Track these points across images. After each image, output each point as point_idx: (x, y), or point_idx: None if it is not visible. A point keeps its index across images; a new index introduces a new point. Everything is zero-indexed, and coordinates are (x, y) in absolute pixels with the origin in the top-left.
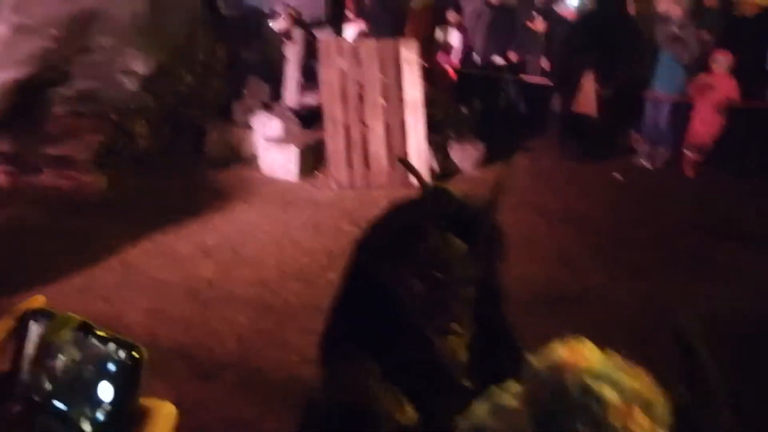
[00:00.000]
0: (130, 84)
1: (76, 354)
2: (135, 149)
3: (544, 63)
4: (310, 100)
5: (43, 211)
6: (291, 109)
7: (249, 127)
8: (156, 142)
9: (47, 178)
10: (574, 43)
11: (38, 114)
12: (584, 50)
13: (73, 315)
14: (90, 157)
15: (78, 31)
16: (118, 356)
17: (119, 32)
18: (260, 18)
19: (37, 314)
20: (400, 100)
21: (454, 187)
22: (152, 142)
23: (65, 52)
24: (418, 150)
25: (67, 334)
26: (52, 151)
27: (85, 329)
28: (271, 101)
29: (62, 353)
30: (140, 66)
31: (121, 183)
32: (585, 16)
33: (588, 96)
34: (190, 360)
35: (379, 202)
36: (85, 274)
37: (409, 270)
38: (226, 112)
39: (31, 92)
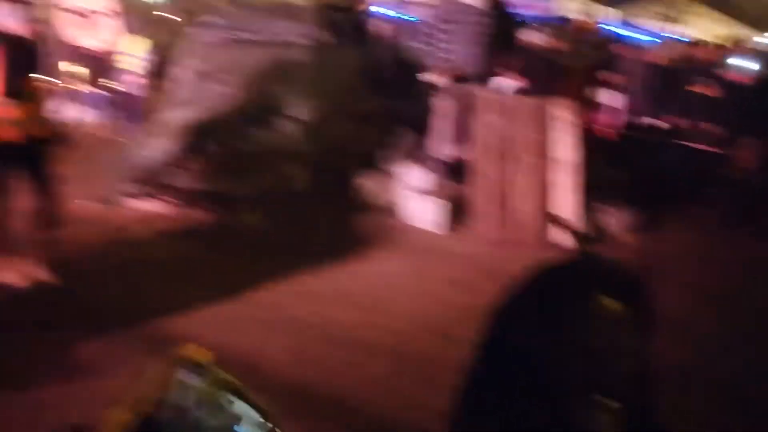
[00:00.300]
0: (292, 129)
1: (215, 412)
2: (290, 191)
3: (709, 128)
4: (459, 153)
5: (197, 243)
6: (438, 161)
7: (397, 177)
8: (310, 186)
9: (205, 213)
10: (752, 109)
11: (200, 151)
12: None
13: (224, 375)
14: (248, 194)
15: (246, 77)
16: (253, 424)
17: (285, 81)
18: (416, 71)
19: (192, 365)
20: (551, 158)
21: (603, 251)
22: (306, 186)
23: (239, 97)
24: (567, 211)
25: (214, 392)
26: (212, 188)
27: (231, 390)
28: (420, 152)
29: (204, 408)
30: (302, 113)
31: (273, 222)
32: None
33: (750, 152)
34: (320, 401)
35: (522, 260)
36: (230, 308)
37: (555, 337)
38: (377, 160)
39: (206, 132)
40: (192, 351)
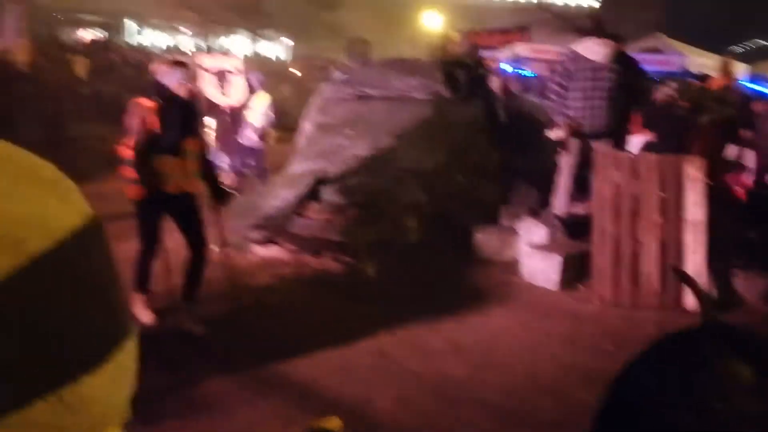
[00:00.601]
0: (408, 180)
1: None
2: (404, 242)
3: None
4: (580, 210)
5: (316, 290)
6: (559, 218)
7: (514, 232)
8: (424, 237)
9: (324, 260)
10: None
11: (321, 200)
12: None
13: None
14: (363, 245)
15: (367, 131)
16: None
17: (404, 133)
18: (537, 126)
19: None
20: (679, 218)
21: (735, 319)
22: (421, 237)
23: (359, 149)
24: (696, 274)
25: None
26: (331, 236)
27: None
28: (540, 208)
29: None
30: (419, 164)
31: (387, 272)
32: None
33: None
34: None
35: (646, 324)
36: (343, 355)
37: (685, 403)
38: (494, 215)
39: (328, 182)
40: (326, 422)
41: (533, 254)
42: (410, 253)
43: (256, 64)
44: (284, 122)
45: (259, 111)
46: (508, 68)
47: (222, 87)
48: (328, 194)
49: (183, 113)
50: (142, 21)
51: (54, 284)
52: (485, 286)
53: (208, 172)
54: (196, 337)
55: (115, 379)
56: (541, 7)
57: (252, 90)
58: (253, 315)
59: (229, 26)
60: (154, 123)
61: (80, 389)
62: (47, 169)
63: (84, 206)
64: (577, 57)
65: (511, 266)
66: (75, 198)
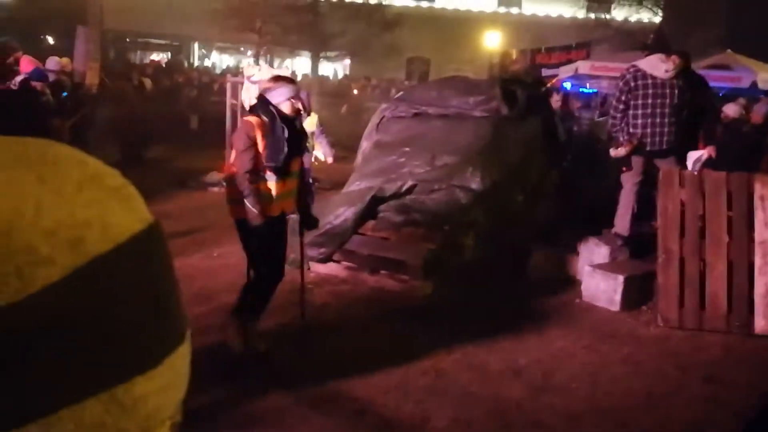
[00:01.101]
0: (465, 198)
1: None
2: (461, 260)
3: None
4: (643, 229)
5: (373, 308)
6: (621, 237)
7: (575, 251)
8: (481, 256)
9: (381, 278)
10: None
11: (379, 218)
12: None
13: None
14: (419, 263)
15: (425, 148)
16: None
17: (461, 151)
18: (597, 145)
19: None
20: (749, 238)
21: None
22: (478, 256)
23: (411, 167)
24: (765, 295)
25: None
26: (388, 254)
27: None
28: (601, 227)
29: None
30: (476, 183)
31: (444, 291)
32: None
33: None
34: None
35: (712, 347)
36: (400, 374)
37: None
38: (553, 234)
39: (386, 201)
40: None
41: (595, 274)
42: (467, 271)
43: (315, 83)
44: (343, 141)
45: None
46: (569, 85)
47: None
48: (386, 212)
49: (290, 132)
50: (208, 44)
51: (112, 285)
52: (544, 306)
53: (304, 193)
54: (255, 352)
55: (168, 383)
56: (601, 23)
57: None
58: (310, 332)
59: (290, 47)
60: (262, 142)
61: (133, 389)
62: (111, 175)
63: (145, 213)
64: (640, 73)
65: (572, 286)
66: (137, 205)
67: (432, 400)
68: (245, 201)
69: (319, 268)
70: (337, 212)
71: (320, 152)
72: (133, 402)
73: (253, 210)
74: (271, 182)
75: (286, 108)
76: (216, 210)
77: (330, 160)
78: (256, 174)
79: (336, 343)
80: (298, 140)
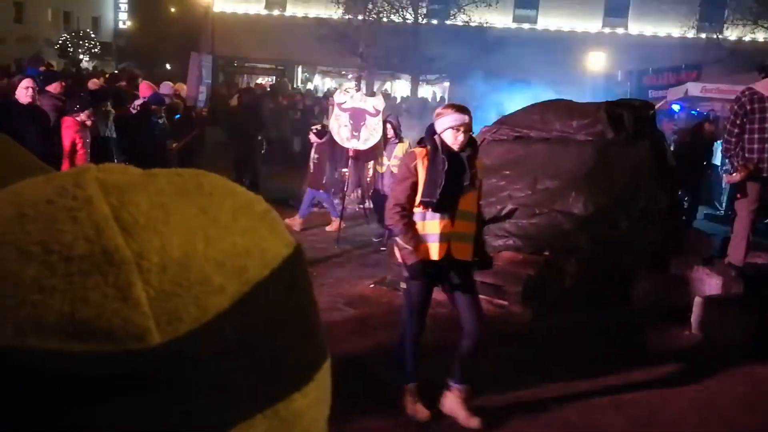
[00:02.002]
0: (567, 223)
1: None
2: (562, 287)
3: None
4: (760, 259)
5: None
6: (735, 267)
7: (684, 281)
8: (583, 283)
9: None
10: None
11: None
12: None
13: None
14: (519, 289)
15: (526, 172)
16: None
17: (564, 176)
18: (709, 169)
19: None
20: None
21: None
22: (579, 282)
23: (512, 190)
24: None
25: None
26: (486, 279)
27: None
28: (714, 257)
29: None
30: (579, 208)
31: (544, 318)
32: None
33: None
34: None
35: None
36: (496, 401)
37: None
38: (661, 262)
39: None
40: None
41: (707, 306)
42: (569, 298)
43: (417, 106)
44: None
45: (396, 157)
46: (677, 107)
47: (355, 127)
48: (485, 236)
49: (452, 165)
50: (311, 67)
51: (271, 309)
52: (651, 337)
53: (478, 234)
54: (369, 374)
55: (319, 397)
56: (713, 43)
57: (390, 134)
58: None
59: (391, 70)
60: (424, 175)
61: (292, 405)
62: (258, 202)
63: (289, 237)
64: (756, 96)
65: (681, 317)
66: (281, 229)
67: (531, 428)
68: (397, 239)
69: None
70: None
71: None
72: (293, 417)
73: (406, 248)
74: (432, 221)
75: (448, 138)
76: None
77: None
78: (410, 209)
79: (430, 368)
80: (460, 175)
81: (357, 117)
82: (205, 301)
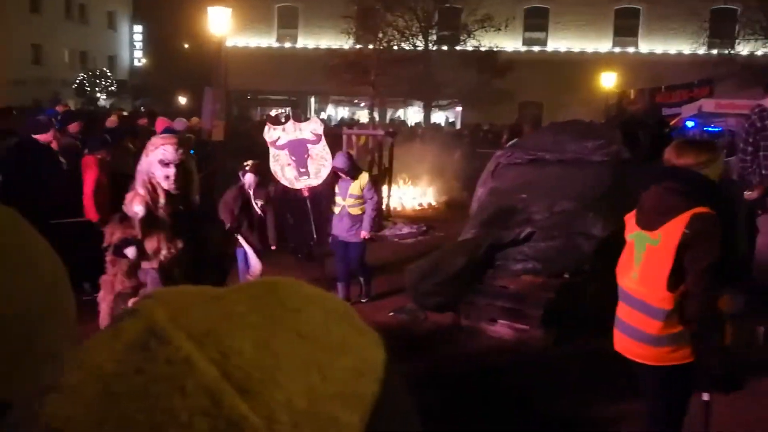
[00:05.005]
0: (586, 245)
1: None
2: (583, 310)
3: None
4: None
5: (489, 359)
6: (760, 284)
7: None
8: (603, 306)
9: (500, 328)
10: None
11: (496, 267)
12: None
13: None
14: (539, 312)
15: (542, 195)
16: None
17: (581, 197)
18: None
19: None
20: None
21: None
22: (603, 306)
23: (529, 214)
24: None
25: None
26: (506, 303)
27: None
28: (740, 277)
29: None
30: (598, 229)
31: (565, 342)
32: None
33: None
34: None
35: None
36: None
37: None
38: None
39: (501, 249)
40: None
41: (731, 325)
42: (592, 322)
43: (428, 130)
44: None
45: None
46: (691, 124)
47: (300, 163)
48: (503, 260)
49: None
50: (323, 97)
51: (391, 424)
52: None
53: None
54: None
55: None
56: (725, 59)
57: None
58: (426, 381)
59: (403, 97)
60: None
61: None
62: (333, 299)
63: (370, 329)
64: (766, 113)
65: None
66: (361, 323)
67: None
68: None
69: (435, 317)
70: (453, 261)
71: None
72: None
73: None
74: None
75: None
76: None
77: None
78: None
79: (451, 394)
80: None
81: (298, 150)
82: None
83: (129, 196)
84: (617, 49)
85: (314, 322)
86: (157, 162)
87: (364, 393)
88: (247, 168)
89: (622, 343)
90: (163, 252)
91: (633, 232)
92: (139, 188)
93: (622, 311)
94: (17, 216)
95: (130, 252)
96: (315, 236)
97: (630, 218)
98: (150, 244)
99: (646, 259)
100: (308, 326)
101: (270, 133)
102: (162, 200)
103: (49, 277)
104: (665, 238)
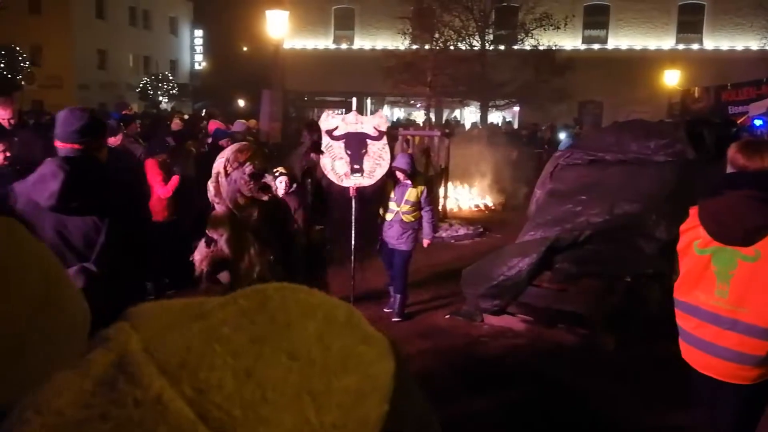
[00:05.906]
0: (648, 248)
1: None
2: (646, 314)
3: None
4: None
5: (548, 364)
6: None
7: None
8: (666, 311)
9: (559, 332)
10: None
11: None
12: None
13: None
14: (600, 316)
15: (602, 196)
16: None
17: (643, 199)
18: None
19: None
20: None
21: None
22: (665, 309)
23: (588, 215)
24: None
25: None
26: (566, 307)
27: None
28: None
29: None
30: (661, 231)
31: (628, 346)
32: None
33: None
34: None
35: None
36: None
37: None
38: None
39: (562, 251)
40: None
41: None
42: (654, 326)
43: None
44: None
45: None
46: (760, 123)
47: (354, 158)
48: (562, 262)
49: None
50: (380, 98)
51: None
52: None
53: None
54: None
55: None
56: None
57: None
58: (484, 386)
59: (460, 98)
60: None
61: None
62: (335, 307)
63: (379, 336)
64: None
65: None
66: (368, 328)
67: None
68: None
69: (492, 321)
70: (510, 263)
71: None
72: None
73: None
74: None
75: None
76: None
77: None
78: None
79: (510, 399)
80: None
81: (355, 144)
82: None
83: (211, 220)
84: (681, 46)
85: (308, 338)
86: (247, 175)
87: (368, 418)
88: (277, 174)
89: (707, 363)
90: (257, 269)
91: (708, 247)
92: (223, 205)
93: (701, 330)
94: (3, 229)
95: (224, 277)
96: (354, 241)
97: (692, 229)
98: (242, 263)
99: (740, 277)
100: (300, 344)
101: (328, 121)
102: (255, 214)
103: (38, 290)
104: (766, 254)
